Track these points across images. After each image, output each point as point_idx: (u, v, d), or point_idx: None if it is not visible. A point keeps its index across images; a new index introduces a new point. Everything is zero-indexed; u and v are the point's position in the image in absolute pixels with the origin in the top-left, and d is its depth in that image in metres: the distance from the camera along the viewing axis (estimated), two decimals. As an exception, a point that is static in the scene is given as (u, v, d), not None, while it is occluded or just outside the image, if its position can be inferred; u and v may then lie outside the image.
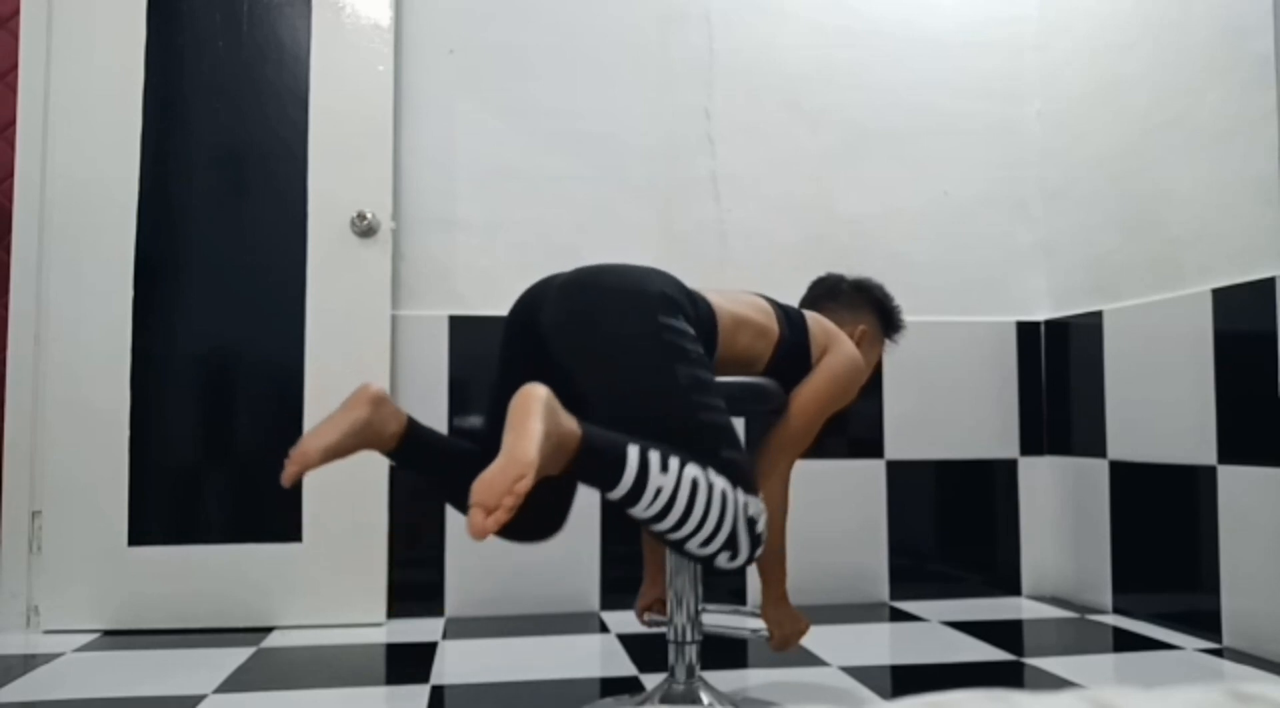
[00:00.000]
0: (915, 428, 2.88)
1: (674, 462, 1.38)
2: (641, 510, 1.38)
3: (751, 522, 1.46)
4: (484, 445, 1.61)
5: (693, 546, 1.42)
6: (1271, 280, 2.13)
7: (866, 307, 1.97)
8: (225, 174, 2.64)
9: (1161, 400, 2.46)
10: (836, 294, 1.99)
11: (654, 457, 1.36)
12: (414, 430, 1.57)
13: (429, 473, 1.64)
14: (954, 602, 2.81)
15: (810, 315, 1.82)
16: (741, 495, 1.45)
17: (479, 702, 1.90)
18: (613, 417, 1.49)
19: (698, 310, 1.61)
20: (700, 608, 1.75)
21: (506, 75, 2.81)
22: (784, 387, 1.73)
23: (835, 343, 1.79)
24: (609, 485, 1.36)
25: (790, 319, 1.77)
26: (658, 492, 1.36)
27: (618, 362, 1.50)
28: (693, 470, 1.39)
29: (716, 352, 1.65)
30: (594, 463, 1.34)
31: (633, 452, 1.35)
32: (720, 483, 1.42)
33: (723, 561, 1.46)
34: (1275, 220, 2.16)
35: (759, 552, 1.49)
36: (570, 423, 1.31)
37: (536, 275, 1.80)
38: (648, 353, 1.48)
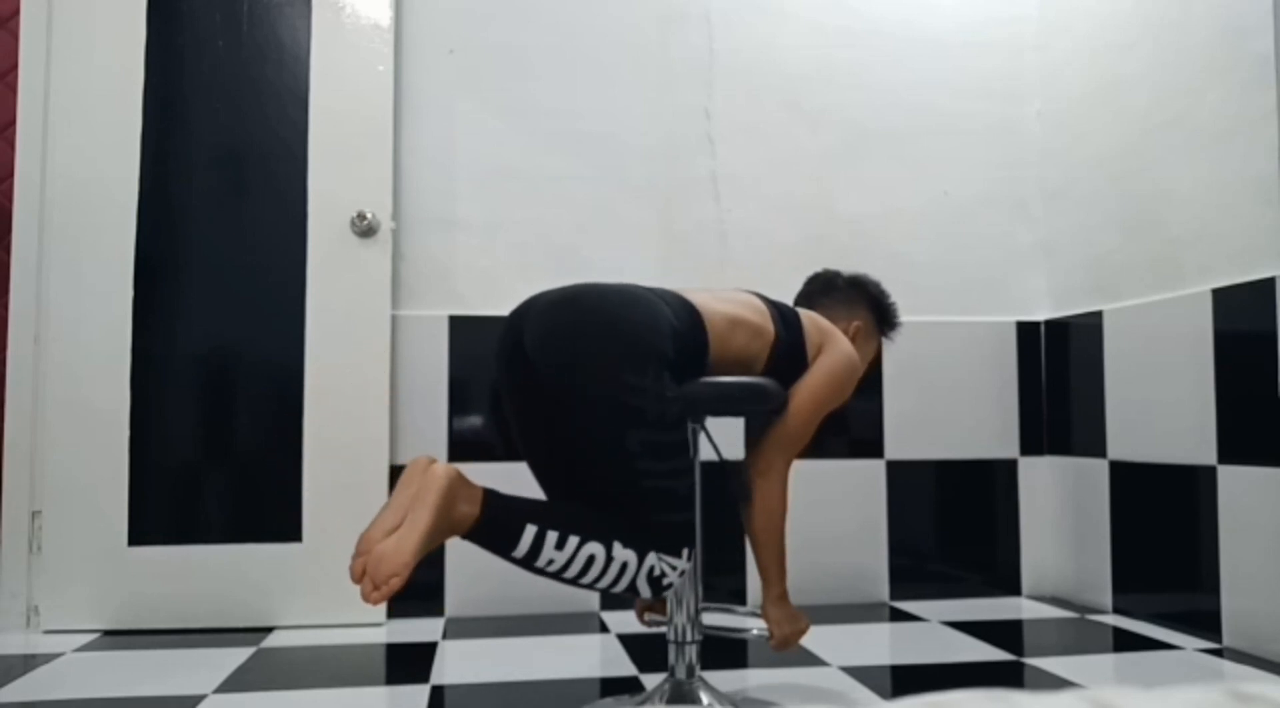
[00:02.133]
0: (915, 428, 2.88)
1: (572, 541, 1.46)
2: (536, 572, 1.49)
3: (656, 580, 1.52)
4: (539, 481, 1.72)
5: (587, 588, 1.54)
6: (1271, 280, 2.13)
7: (862, 303, 1.97)
8: (225, 174, 2.64)
9: (1161, 400, 2.45)
10: (831, 290, 1.99)
11: (551, 536, 1.46)
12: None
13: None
14: (954, 602, 2.81)
15: (804, 313, 1.82)
16: (652, 559, 1.51)
17: (479, 702, 1.90)
18: (571, 456, 1.61)
19: (679, 331, 1.59)
20: (700, 608, 1.75)
21: (506, 75, 2.81)
22: (781, 385, 1.72)
23: (830, 340, 1.79)
24: (503, 554, 1.47)
25: (785, 317, 1.77)
26: (550, 561, 1.47)
27: (579, 421, 1.55)
28: (591, 548, 1.47)
29: (708, 356, 1.65)
30: (488, 538, 1.46)
31: (528, 533, 1.45)
32: (623, 555, 1.49)
33: (626, 595, 1.56)
34: (1275, 220, 2.16)
35: (664, 595, 1.58)
36: (468, 507, 1.43)
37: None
38: (605, 415, 1.52)
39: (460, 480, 1.43)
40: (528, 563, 1.47)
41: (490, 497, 1.46)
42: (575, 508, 1.55)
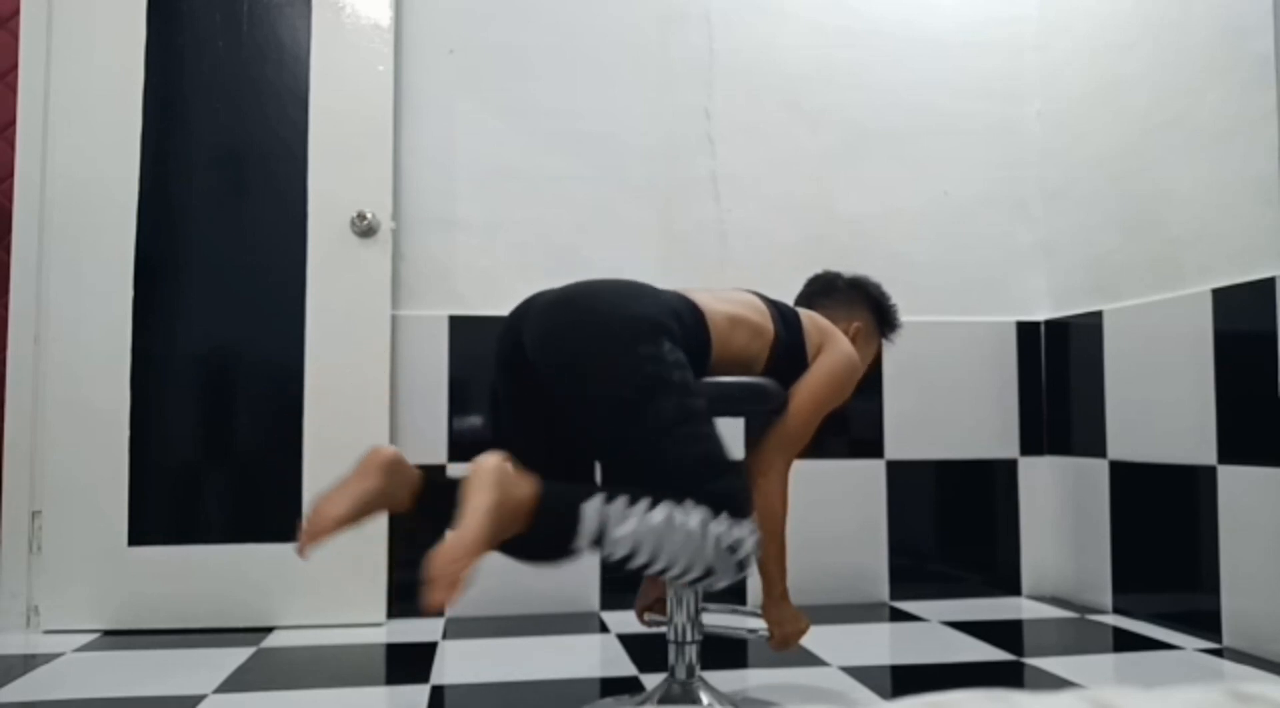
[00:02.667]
0: (915, 428, 2.88)
1: (637, 511, 1.38)
2: (608, 559, 1.41)
3: (732, 550, 1.44)
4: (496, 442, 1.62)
5: (667, 577, 1.45)
6: (1271, 280, 2.13)
7: (862, 304, 1.97)
8: (225, 174, 2.64)
9: (1161, 400, 2.46)
10: (831, 291, 1.99)
11: (614, 511, 1.38)
12: (431, 489, 1.52)
13: (446, 527, 1.63)
14: (954, 602, 2.81)
15: (805, 313, 1.82)
16: (721, 525, 1.43)
17: (479, 702, 1.90)
18: (599, 445, 1.53)
19: (683, 321, 1.59)
20: (700, 608, 1.75)
21: (506, 75, 2.81)
22: (781, 385, 1.72)
23: (830, 340, 1.79)
24: (567, 542, 1.39)
25: (785, 317, 1.77)
26: (617, 543, 1.38)
27: (597, 395, 1.50)
28: (658, 517, 1.39)
29: (711, 354, 1.64)
30: (550, 525, 1.38)
31: (589, 511, 1.37)
32: (694, 521, 1.41)
33: (702, 585, 1.48)
34: (1275, 220, 2.16)
35: (744, 573, 1.49)
36: (524, 490, 1.36)
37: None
38: (626, 389, 1.47)
39: (509, 462, 1.37)
40: (596, 546, 1.38)
41: (543, 483, 1.40)
42: (629, 485, 1.45)
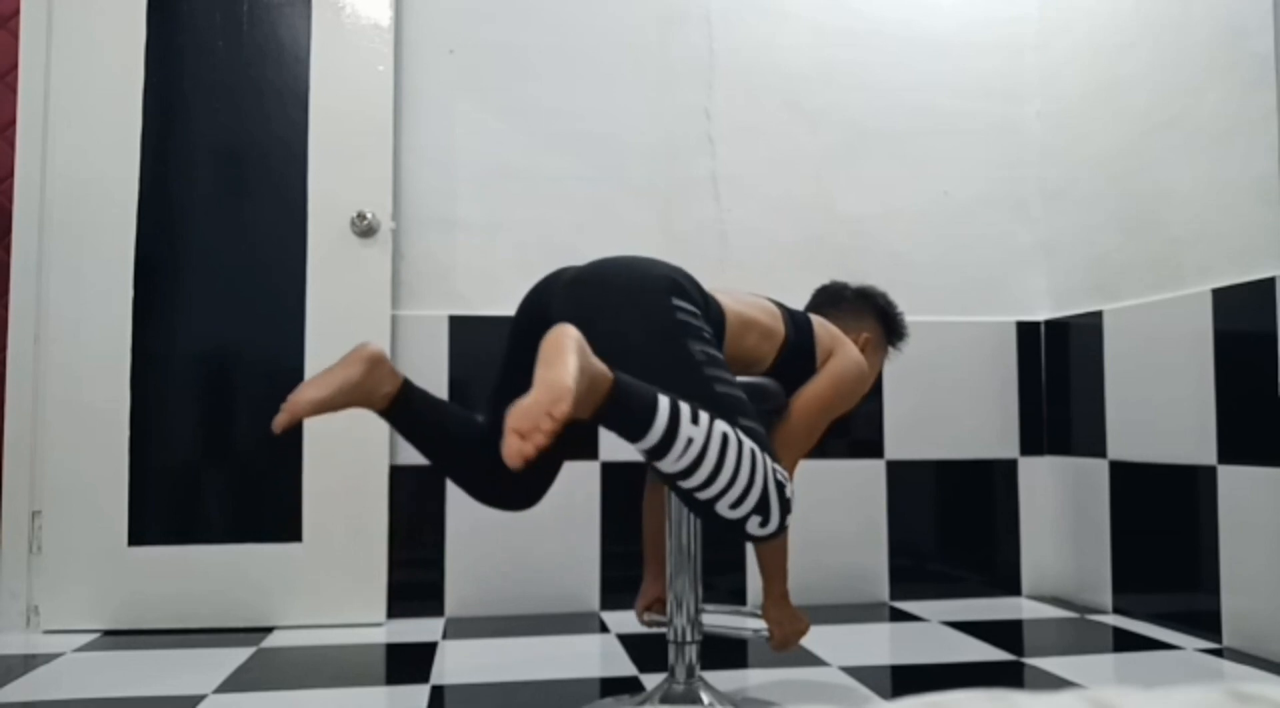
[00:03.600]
0: (915, 428, 2.88)
1: (704, 416, 1.36)
2: (671, 463, 1.34)
3: (780, 486, 1.43)
4: (487, 429, 1.63)
5: (722, 507, 1.39)
6: (1271, 280, 2.13)
7: (870, 314, 1.96)
8: (225, 174, 2.64)
9: (1161, 400, 2.45)
10: (839, 302, 1.98)
11: (685, 408, 1.35)
12: (408, 394, 1.57)
13: (418, 439, 1.64)
14: (954, 602, 2.81)
15: (816, 319, 1.83)
16: (769, 459, 1.43)
17: (479, 702, 1.90)
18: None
19: (708, 306, 1.62)
20: (700, 608, 1.75)
21: (506, 75, 2.81)
22: (787, 388, 1.73)
23: (840, 347, 1.80)
24: (639, 432, 1.32)
25: (796, 322, 1.78)
26: (689, 442, 1.33)
27: (631, 344, 1.48)
28: (722, 426, 1.37)
29: (723, 351, 1.65)
30: (625, 407, 1.32)
31: (664, 400, 1.34)
32: (749, 443, 1.40)
33: (753, 526, 1.42)
34: (1275, 220, 2.16)
35: (789, 519, 1.45)
36: (601, 365, 1.30)
37: (537, 275, 1.80)
38: (660, 331, 1.48)
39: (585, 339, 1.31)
40: (667, 442, 1.32)
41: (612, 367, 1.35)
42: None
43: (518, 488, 1.68)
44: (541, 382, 1.20)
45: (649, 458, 1.36)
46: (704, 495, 1.38)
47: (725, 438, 1.36)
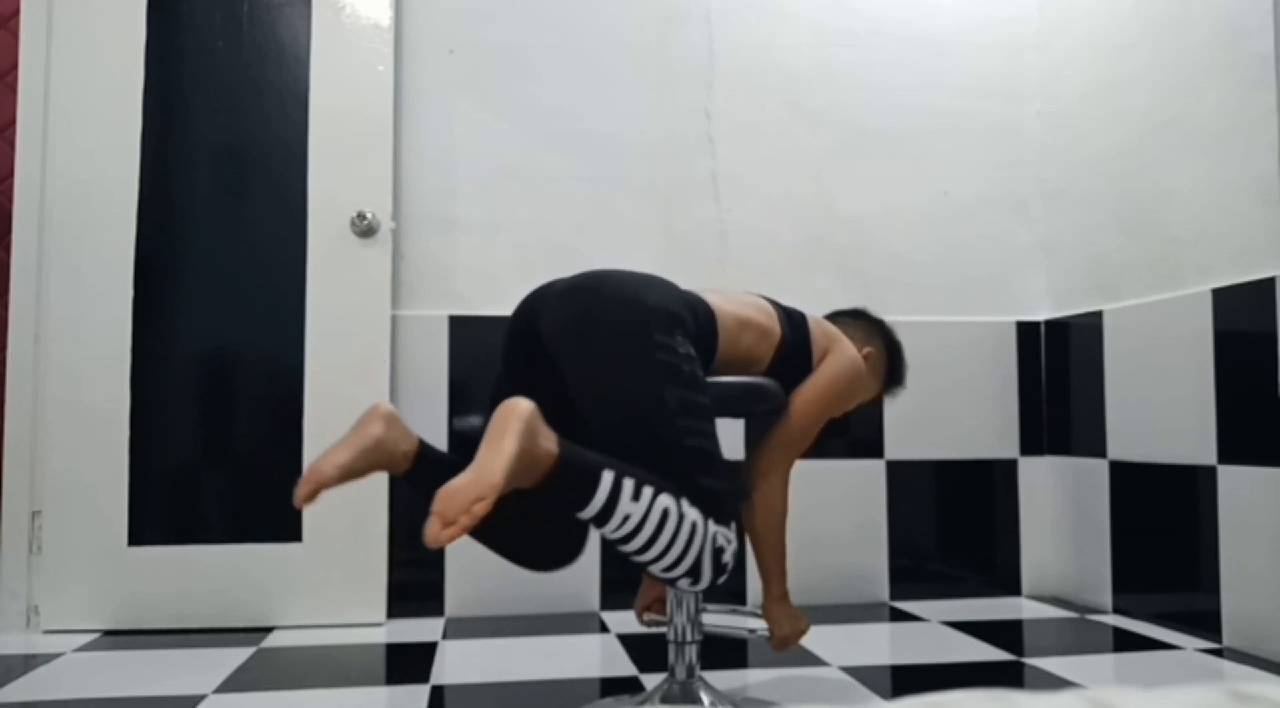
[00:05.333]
0: (915, 428, 2.88)
1: (647, 491, 1.39)
2: (609, 532, 1.40)
3: (718, 552, 1.46)
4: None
5: (655, 569, 1.44)
6: (1271, 280, 2.13)
7: (880, 339, 1.94)
8: (225, 174, 2.64)
9: (1161, 400, 2.45)
10: (857, 316, 1.96)
11: (627, 484, 1.37)
12: (426, 452, 1.53)
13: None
14: (954, 602, 2.81)
15: (812, 318, 1.82)
16: (712, 526, 1.45)
17: (479, 702, 1.90)
18: (602, 430, 1.51)
19: (697, 317, 1.60)
20: (700, 608, 1.75)
21: (506, 75, 2.81)
22: (784, 387, 1.72)
23: (837, 345, 1.79)
24: (578, 506, 1.37)
25: (792, 321, 1.77)
26: (625, 518, 1.37)
27: (609, 379, 1.50)
28: (665, 501, 1.40)
29: (717, 354, 1.65)
30: (566, 483, 1.36)
31: (606, 477, 1.36)
32: (692, 515, 1.42)
33: (683, 584, 1.48)
34: (1275, 220, 2.16)
35: (721, 579, 1.50)
36: (548, 443, 1.33)
37: (537, 275, 1.80)
38: (639, 373, 1.48)
39: (540, 416, 1.33)
40: (604, 516, 1.37)
41: (564, 441, 1.38)
42: (637, 467, 1.44)
43: (550, 549, 1.66)
44: (476, 467, 1.23)
45: (590, 524, 1.41)
46: (638, 559, 1.43)
47: (665, 515, 1.39)
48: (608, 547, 1.45)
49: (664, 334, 1.50)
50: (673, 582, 1.47)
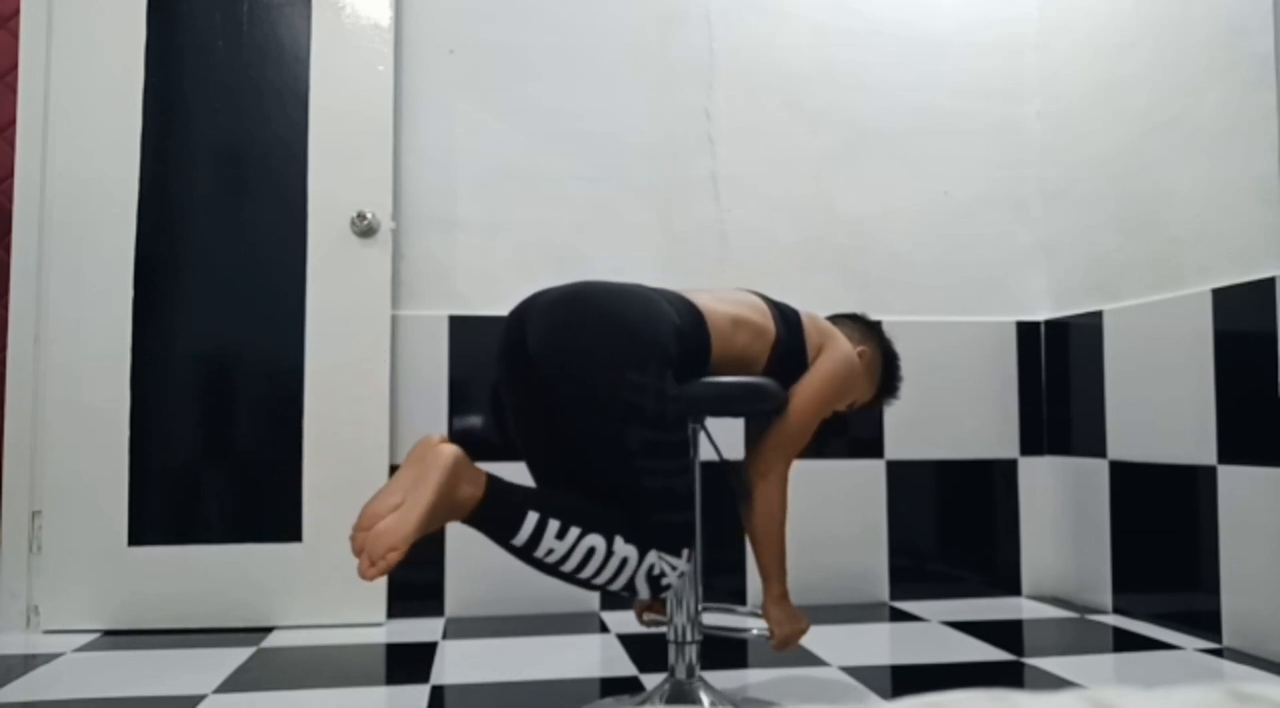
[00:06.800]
0: (915, 428, 2.88)
1: (572, 533, 1.46)
2: (535, 563, 1.49)
3: (655, 579, 1.52)
4: (530, 470, 1.72)
5: (581, 586, 1.53)
6: (1271, 280, 2.13)
7: (875, 342, 1.93)
8: (225, 174, 2.64)
9: (1161, 400, 2.45)
10: (854, 319, 1.96)
11: (551, 527, 1.45)
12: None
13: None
14: (954, 602, 2.81)
15: (806, 314, 1.82)
16: (652, 557, 1.50)
17: (479, 702, 1.90)
18: (573, 456, 1.61)
19: (682, 331, 1.59)
20: (700, 608, 1.75)
21: (506, 75, 2.81)
22: (781, 386, 1.72)
23: (830, 341, 1.79)
24: (502, 541, 1.47)
25: (785, 317, 1.77)
26: (549, 552, 1.46)
27: (579, 415, 1.55)
28: (591, 541, 1.47)
29: (711, 357, 1.65)
30: (488, 523, 1.46)
31: (528, 524, 1.44)
32: (623, 551, 1.48)
33: (623, 594, 1.55)
34: (1275, 220, 2.16)
35: (663, 595, 1.57)
36: (471, 488, 1.42)
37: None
38: (605, 415, 1.52)
39: (464, 462, 1.43)
40: (526, 552, 1.46)
41: (493, 481, 1.46)
42: (578, 500, 1.53)
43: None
44: (398, 516, 1.36)
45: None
46: (567, 581, 1.52)
47: (590, 551, 1.47)
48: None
49: (636, 371, 1.51)
50: (609, 593, 1.58)
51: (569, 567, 1.47)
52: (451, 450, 1.41)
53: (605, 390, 1.51)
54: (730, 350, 1.67)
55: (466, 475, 1.43)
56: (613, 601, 2.69)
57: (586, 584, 1.51)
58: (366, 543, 1.34)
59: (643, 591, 1.53)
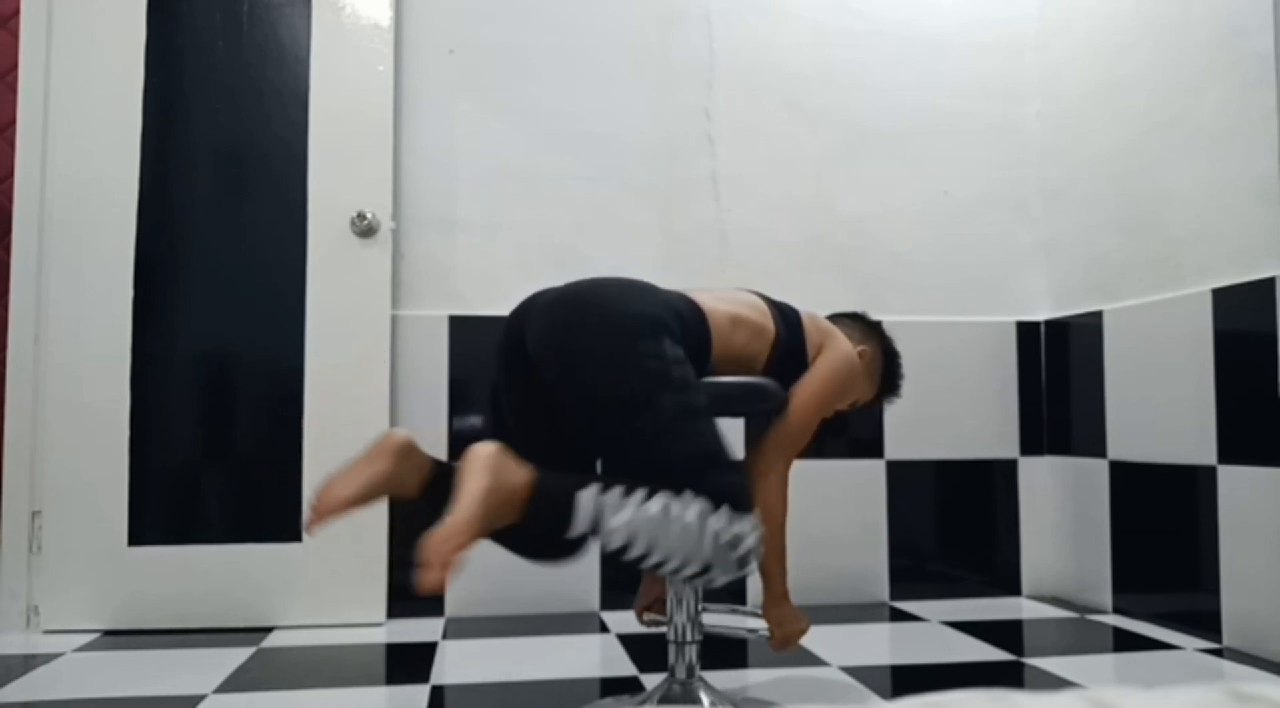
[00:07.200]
0: (915, 428, 2.88)
1: (632, 502, 1.38)
2: (603, 549, 1.41)
3: (731, 545, 1.43)
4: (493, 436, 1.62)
5: (664, 571, 1.44)
6: (1271, 280, 2.13)
7: (876, 341, 1.93)
8: (225, 174, 2.64)
9: (1161, 400, 2.45)
10: (854, 319, 1.96)
11: (609, 501, 1.38)
12: (441, 477, 1.52)
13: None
14: (954, 602, 2.81)
15: (806, 313, 1.82)
16: (721, 520, 1.42)
17: (479, 702, 1.90)
18: (603, 442, 1.53)
19: (685, 320, 1.59)
20: (700, 608, 1.75)
21: (506, 75, 2.81)
22: (781, 386, 1.72)
23: (830, 340, 1.79)
24: (562, 530, 1.39)
25: (785, 316, 1.77)
26: (613, 533, 1.38)
27: (603, 393, 1.49)
28: (654, 508, 1.39)
29: (711, 356, 1.64)
30: (544, 514, 1.39)
31: (585, 499, 1.37)
32: (691, 515, 1.40)
33: (701, 581, 1.48)
34: (1275, 220, 2.16)
35: (746, 570, 1.48)
36: (519, 477, 1.37)
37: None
38: (631, 383, 1.47)
39: (506, 452, 1.38)
40: (591, 534, 1.38)
41: (539, 469, 1.41)
42: (630, 477, 1.44)
43: (556, 544, 1.67)
44: (452, 515, 1.30)
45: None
46: (644, 566, 1.43)
47: (656, 521, 1.38)
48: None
49: (650, 341, 1.50)
50: (690, 580, 1.46)
51: (640, 546, 1.38)
52: (490, 446, 1.37)
53: (624, 366, 1.47)
54: (730, 349, 1.67)
55: (511, 464, 1.37)
56: (613, 601, 2.69)
57: (659, 567, 1.41)
58: (423, 554, 1.27)
59: (723, 565, 1.43)
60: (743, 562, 1.46)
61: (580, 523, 1.37)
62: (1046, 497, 2.92)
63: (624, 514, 1.38)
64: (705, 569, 1.43)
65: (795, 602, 1.78)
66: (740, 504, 1.46)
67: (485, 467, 1.34)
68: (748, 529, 1.46)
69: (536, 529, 1.42)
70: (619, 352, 1.49)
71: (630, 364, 1.47)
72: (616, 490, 1.39)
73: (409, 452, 1.49)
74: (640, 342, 1.49)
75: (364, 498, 1.44)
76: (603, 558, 1.47)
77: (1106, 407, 2.66)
